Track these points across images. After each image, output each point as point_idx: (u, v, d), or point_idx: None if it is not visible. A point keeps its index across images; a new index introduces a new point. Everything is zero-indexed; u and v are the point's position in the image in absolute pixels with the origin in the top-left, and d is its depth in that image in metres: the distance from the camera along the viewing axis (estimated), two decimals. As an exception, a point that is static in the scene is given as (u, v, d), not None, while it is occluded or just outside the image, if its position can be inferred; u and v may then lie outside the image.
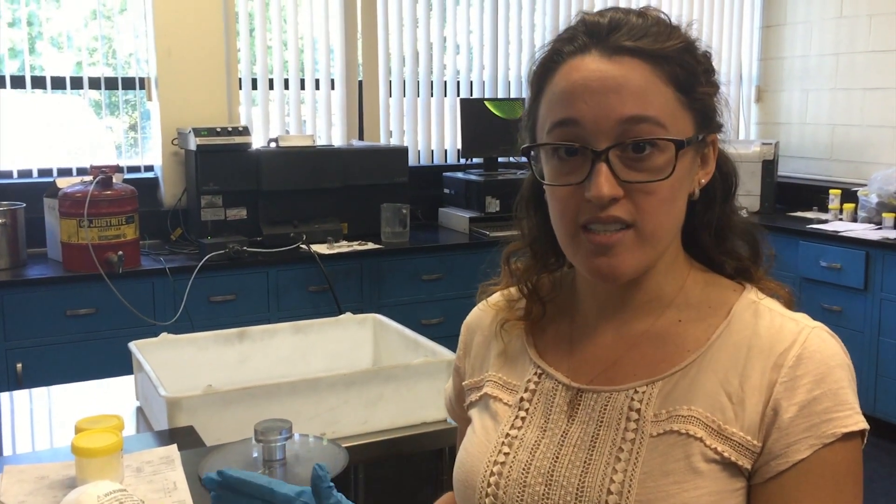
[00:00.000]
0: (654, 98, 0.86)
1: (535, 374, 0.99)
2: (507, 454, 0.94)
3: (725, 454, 0.85)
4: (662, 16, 0.92)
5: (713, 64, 0.94)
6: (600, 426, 0.91)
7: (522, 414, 0.97)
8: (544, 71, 0.92)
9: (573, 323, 1.00)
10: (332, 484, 0.89)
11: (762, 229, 1.00)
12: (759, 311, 0.92)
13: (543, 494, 0.90)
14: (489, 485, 0.93)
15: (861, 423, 0.85)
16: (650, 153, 0.86)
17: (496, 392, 1.01)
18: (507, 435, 0.96)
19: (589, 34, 0.89)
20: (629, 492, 0.85)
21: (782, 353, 0.87)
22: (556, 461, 0.91)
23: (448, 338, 2.13)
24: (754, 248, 0.98)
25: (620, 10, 0.91)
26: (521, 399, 0.98)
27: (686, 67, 0.89)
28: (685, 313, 0.94)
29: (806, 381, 0.85)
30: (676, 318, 0.94)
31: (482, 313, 1.11)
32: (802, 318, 0.91)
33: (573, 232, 0.89)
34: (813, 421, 0.84)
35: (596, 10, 0.94)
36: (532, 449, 0.93)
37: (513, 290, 1.07)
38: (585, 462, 0.90)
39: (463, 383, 1.09)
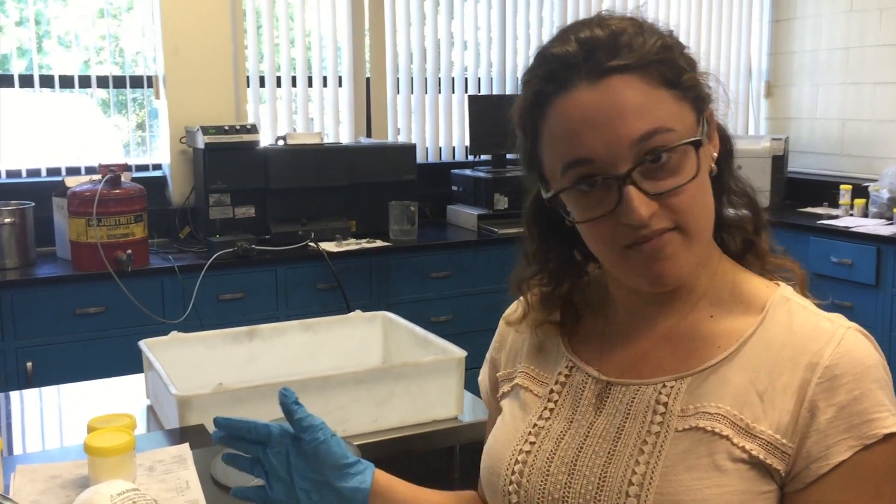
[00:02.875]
0: (654, 107, 0.85)
1: (567, 367, 1.00)
2: (532, 443, 0.95)
3: (754, 452, 0.84)
4: (623, 18, 0.89)
5: (678, 39, 0.92)
6: (626, 418, 0.91)
7: (551, 405, 0.98)
8: (535, 114, 0.90)
9: (606, 319, 1.00)
10: (297, 400, 0.96)
11: (757, 197, 0.99)
12: (793, 310, 0.91)
13: (566, 483, 0.90)
14: (513, 472, 0.94)
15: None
16: (669, 158, 0.85)
17: (527, 383, 1.02)
18: (535, 425, 0.97)
19: (566, 67, 0.86)
20: (650, 484, 0.85)
21: (817, 352, 0.85)
22: (580, 451, 0.92)
23: (457, 335, 2.13)
24: (754, 209, 0.97)
25: (583, 28, 0.88)
26: (551, 391, 0.99)
27: (668, 62, 0.87)
28: (717, 308, 0.93)
29: (845, 381, 0.83)
30: (708, 314, 0.93)
31: (521, 310, 1.09)
32: (837, 318, 0.89)
33: (619, 253, 0.88)
34: (853, 422, 0.83)
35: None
36: (557, 439, 0.94)
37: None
38: (609, 453, 0.90)
39: (497, 374, 1.09)
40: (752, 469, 0.84)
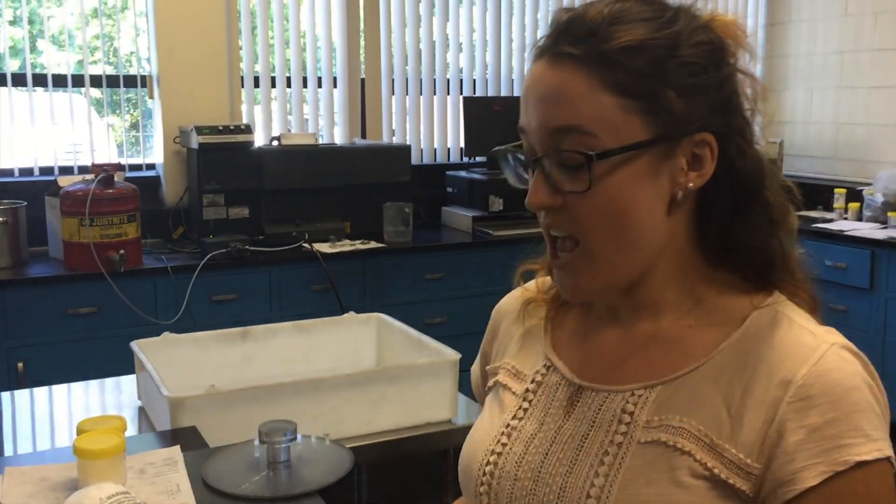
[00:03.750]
0: (585, 106, 0.82)
1: (545, 365, 0.98)
2: (504, 444, 0.93)
3: (716, 471, 0.80)
4: (614, 6, 0.84)
5: (716, 56, 0.85)
6: (592, 426, 0.89)
7: (525, 405, 0.96)
8: None
9: (587, 320, 0.98)
10: None
11: (795, 248, 0.91)
12: (778, 321, 0.85)
13: (531, 490, 0.89)
14: (484, 474, 0.93)
15: (878, 451, 0.78)
16: (580, 164, 0.82)
17: (506, 380, 1.01)
18: (508, 425, 0.95)
19: (549, 37, 0.87)
20: (608, 497, 0.83)
21: (792, 369, 0.80)
22: (545, 457, 0.90)
23: (451, 337, 2.12)
24: (784, 260, 0.89)
25: (576, 8, 0.86)
26: (527, 390, 0.97)
27: (628, 68, 0.81)
28: (698, 318, 0.89)
29: (819, 403, 0.78)
30: (687, 323, 0.89)
31: (514, 300, 1.09)
32: (824, 333, 0.84)
33: (548, 242, 0.90)
34: (823, 446, 0.77)
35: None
36: (527, 442, 0.92)
37: (549, 278, 1.03)
38: (572, 461, 0.88)
39: (486, 367, 1.08)
40: (714, 488, 0.80)
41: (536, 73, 0.86)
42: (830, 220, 4.20)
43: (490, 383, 1.04)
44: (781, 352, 0.82)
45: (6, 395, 1.88)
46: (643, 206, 0.84)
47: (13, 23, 3.64)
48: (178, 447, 1.40)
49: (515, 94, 4.53)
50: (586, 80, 0.82)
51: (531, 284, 1.06)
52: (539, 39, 0.88)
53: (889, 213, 3.99)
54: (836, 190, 4.33)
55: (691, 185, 0.85)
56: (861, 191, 4.20)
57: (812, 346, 0.82)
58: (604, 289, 0.89)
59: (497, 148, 0.93)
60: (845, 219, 4.20)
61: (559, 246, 0.88)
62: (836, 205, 4.30)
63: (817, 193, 4.54)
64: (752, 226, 0.88)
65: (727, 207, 0.88)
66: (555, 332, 1.01)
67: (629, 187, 0.83)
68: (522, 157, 0.90)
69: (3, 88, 3.57)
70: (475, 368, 1.13)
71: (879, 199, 4.07)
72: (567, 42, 0.84)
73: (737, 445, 0.80)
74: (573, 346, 0.98)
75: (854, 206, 4.20)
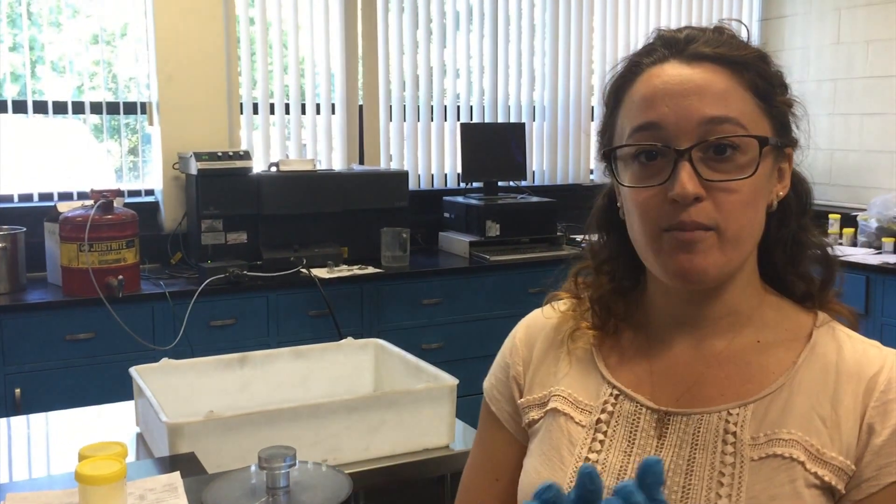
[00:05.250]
0: (734, 101, 0.87)
1: (612, 395, 0.95)
2: None
3: (826, 478, 0.86)
4: (736, 31, 0.93)
5: (786, 81, 0.95)
6: (695, 449, 0.89)
7: (601, 437, 0.93)
8: (622, 83, 0.93)
9: (647, 343, 0.97)
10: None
11: (836, 254, 0.99)
12: (839, 337, 0.92)
13: None
14: None
15: None
16: (731, 154, 0.86)
17: (567, 409, 0.97)
18: (587, 458, 0.92)
19: (666, 46, 0.91)
20: None
21: (872, 378, 0.88)
22: None
23: (449, 363, 2.13)
24: (828, 270, 0.97)
25: (696, 28, 0.93)
26: (599, 420, 0.94)
27: (763, 76, 0.90)
28: (763, 334, 0.93)
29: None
30: (755, 339, 0.93)
31: (545, 319, 1.06)
32: (879, 345, 0.92)
33: (655, 234, 0.88)
34: None
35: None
36: (618, 475, 0.90)
37: (582, 300, 1.02)
38: (684, 487, 0.87)
39: (520, 401, 1.03)
40: (823, 494, 0.86)
41: (670, 71, 0.88)
42: (825, 246, 4.21)
43: (535, 415, 1.00)
44: (856, 363, 0.89)
45: (3, 421, 1.88)
46: (764, 203, 0.90)
47: (13, 49, 3.67)
48: (177, 473, 1.40)
49: (512, 119, 4.56)
50: (730, 77, 0.87)
51: (563, 306, 1.05)
52: (645, 51, 0.92)
53: (883, 239, 4.02)
54: (831, 216, 4.36)
55: (781, 193, 0.92)
56: (855, 216, 4.23)
57: (882, 356, 0.90)
58: (724, 274, 0.89)
59: (624, 144, 0.90)
60: (840, 244, 4.22)
61: (685, 223, 0.86)
62: (830, 230, 4.32)
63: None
64: (806, 246, 0.96)
65: (788, 221, 0.95)
66: (606, 359, 0.98)
67: (765, 182, 0.89)
68: (647, 155, 0.88)
69: (4, 115, 3.59)
70: (493, 383, 1.08)
71: (873, 224, 4.09)
72: (704, 46, 0.89)
73: (840, 452, 0.86)
74: (637, 370, 0.96)
75: (848, 231, 4.23)
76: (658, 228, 0.87)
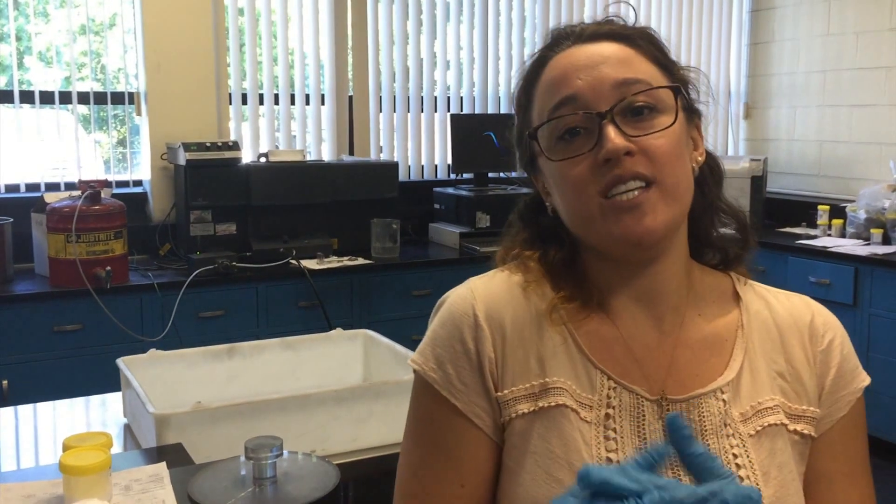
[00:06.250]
0: (640, 66, 0.91)
1: (611, 386, 0.89)
2: None
3: (805, 432, 0.91)
4: (624, 15, 0.99)
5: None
6: (705, 435, 0.87)
7: (612, 434, 0.87)
8: (532, 77, 0.96)
9: (622, 328, 0.92)
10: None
11: (748, 215, 1.03)
12: (760, 293, 0.98)
13: None
14: None
15: (868, 377, 0.97)
16: (649, 115, 0.89)
17: (572, 404, 0.88)
18: (608, 459, 0.85)
19: (566, 37, 0.95)
20: (763, 495, 0.83)
21: (810, 325, 0.95)
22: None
23: (439, 354, 2.12)
24: (744, 233, 1.00)
25: (589, 20, 0.98)
26: (607, 416, 0.87)
27: (659, 48, 0.95)
28: (701, 307, 0.96)
29: (835, 346, 0.95)
30: (696, 313, 0.95)
31: (504, 290, 0.94)
32: (790, 292, 0.99)
33: (596, 203, 0.87)
34: (846, 380, 0.94)
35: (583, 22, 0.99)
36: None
37: (528, 276, 0.95)
38: None
39: (499, 393, 0.90)
40: (805, 444, 0.92)
41: (574, 52, 0.93)
42: (814, 237, 4.23)
43: (526, 408, 0.89)
44: (789, 315, 0.96)
45: (-9, 412, 1.87)
46: (689, 161, 0.93)
47: (0, 39, 3.64)
48: (163, 464, 1.39)
49: (503, 111, 4.56)
50: (630, 49, 0.92)
51: (501, 278, 0.96)
52: (547, 45, 0.96)
53: (872, 230, 4.03)
54: (820, 207, 4.37)
55: (700, 159, 0.96)
56: (844, 207, 4.24)
57: (804, 304, 0.98)
58: (671, 228, 0.89)
59: (547, 119, 0.91)
60: (829, 235, 4.24)
61: (626, 189, 0.86)
62: (819, 221, 4.34)
63: (801, 210, 4.59)
64: (725, 214, 1.00)
65: (706, 189, 0.98)
66: (591, 346, 0.91)
67: (683, 133, 0.92)
68: (570, 131, 0.90)
69: (-10, 105, 3.57)
70: (448, 374, 0.94)
71: (862, 215, 4.11)
72: (599, 28, 0.94)
73: (809, 402, 0.92)
74: (618, 357, 0.90)
75: (837, 222, 4.24)
76: (597, 197, 0.87)
